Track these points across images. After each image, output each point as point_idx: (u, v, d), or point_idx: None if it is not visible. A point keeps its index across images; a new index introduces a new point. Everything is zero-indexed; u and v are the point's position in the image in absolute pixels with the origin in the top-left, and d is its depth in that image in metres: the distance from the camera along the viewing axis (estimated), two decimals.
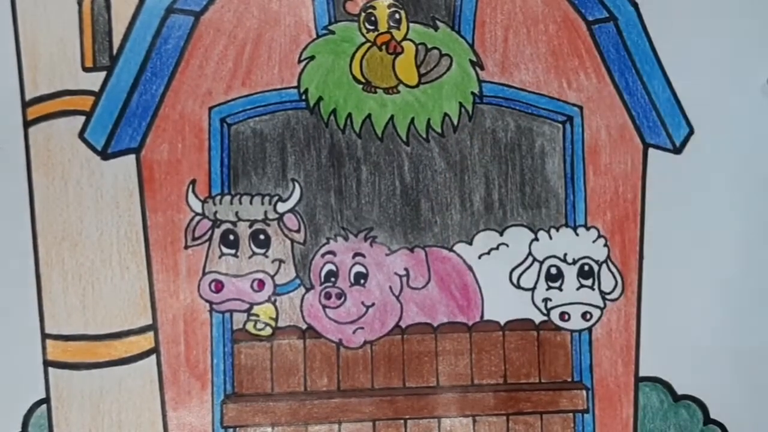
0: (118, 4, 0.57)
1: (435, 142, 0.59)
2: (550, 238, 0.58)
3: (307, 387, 0.57)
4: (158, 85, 0.57)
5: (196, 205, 0.57)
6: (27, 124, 0.57)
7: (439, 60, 0.59)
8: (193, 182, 0.57)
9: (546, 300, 0.58)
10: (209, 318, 0.57)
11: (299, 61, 0.58)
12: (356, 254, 0.58)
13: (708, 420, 0.59)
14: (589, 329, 0.58)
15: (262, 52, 0.58)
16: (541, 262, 0.58)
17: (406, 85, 0.59)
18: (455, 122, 0.59)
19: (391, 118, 0.59)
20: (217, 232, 0.58)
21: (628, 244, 0.59)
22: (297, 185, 0.58)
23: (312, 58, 0.58)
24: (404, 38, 0.59)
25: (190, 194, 0.57)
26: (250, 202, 0.58)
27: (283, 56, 0.58)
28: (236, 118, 0.58)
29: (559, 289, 0.58)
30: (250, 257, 0.58)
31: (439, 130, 0.59)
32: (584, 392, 0.58)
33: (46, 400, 0.56)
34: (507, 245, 0.58)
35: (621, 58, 0.60)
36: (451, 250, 0.58)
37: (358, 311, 0.58)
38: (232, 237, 0.58)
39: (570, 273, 0.58)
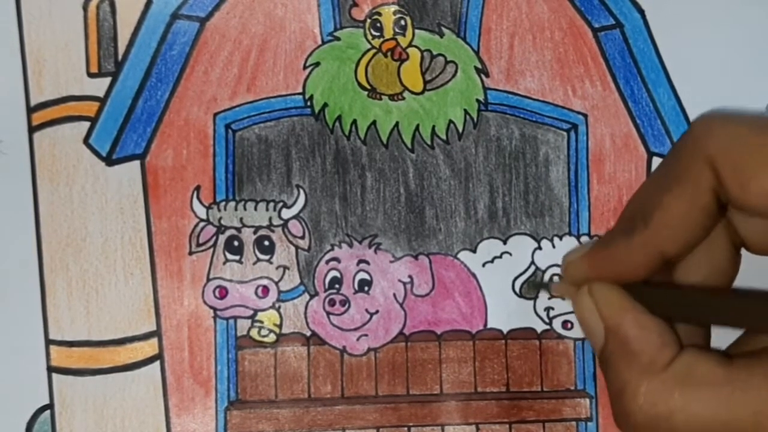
0: (123, 10, 0.57)
1: (440, 149, 0.59)
2: (554, 246, 0.58)
3: (311, 394, 0.57)
4: (163, 91, 0.57)
5: (201, 211, 0.57)
6: (32, 129, 0.57)
7: (445, 67, 0.59)
8: (198, 188, 0.57)
9: (548, 309, 0.58)
10: (213, 324, 0.57)
11: (304, 68, 0.58)
12: (361, 261, 0.58)
13: None
14: None
15: (267, 58, 0.58)
16: (544, 271, 0.58)
17: (411, 92, 0.59)
18: (460, 129, 0.59)
19: (396, 124, 0.58)
20: (222, 238, 0.58)
21: None
22: (302, 191, 0.58)
23: (317, 64, 0.58)
24: (409, 45, 0.59)
25: (195, 200, 0.57)
26: (255, 209, 0.58)
27: (288, 62, 0.58)
28: (241, 125, 0.58)
29: (562, 298, 0.58)
30: (255, 263, 0.58)
31: (444, 138, 0.59)
32: (587, 400, 0.58)
33: (50, 406, 0.56)
34: (510, 254, 0.58)
35: (627, 65, 0.59)
36: (455, 257, 0.58)
37: (362, 318, 0.58)
38: (236, 243, 0.58)
39: None
